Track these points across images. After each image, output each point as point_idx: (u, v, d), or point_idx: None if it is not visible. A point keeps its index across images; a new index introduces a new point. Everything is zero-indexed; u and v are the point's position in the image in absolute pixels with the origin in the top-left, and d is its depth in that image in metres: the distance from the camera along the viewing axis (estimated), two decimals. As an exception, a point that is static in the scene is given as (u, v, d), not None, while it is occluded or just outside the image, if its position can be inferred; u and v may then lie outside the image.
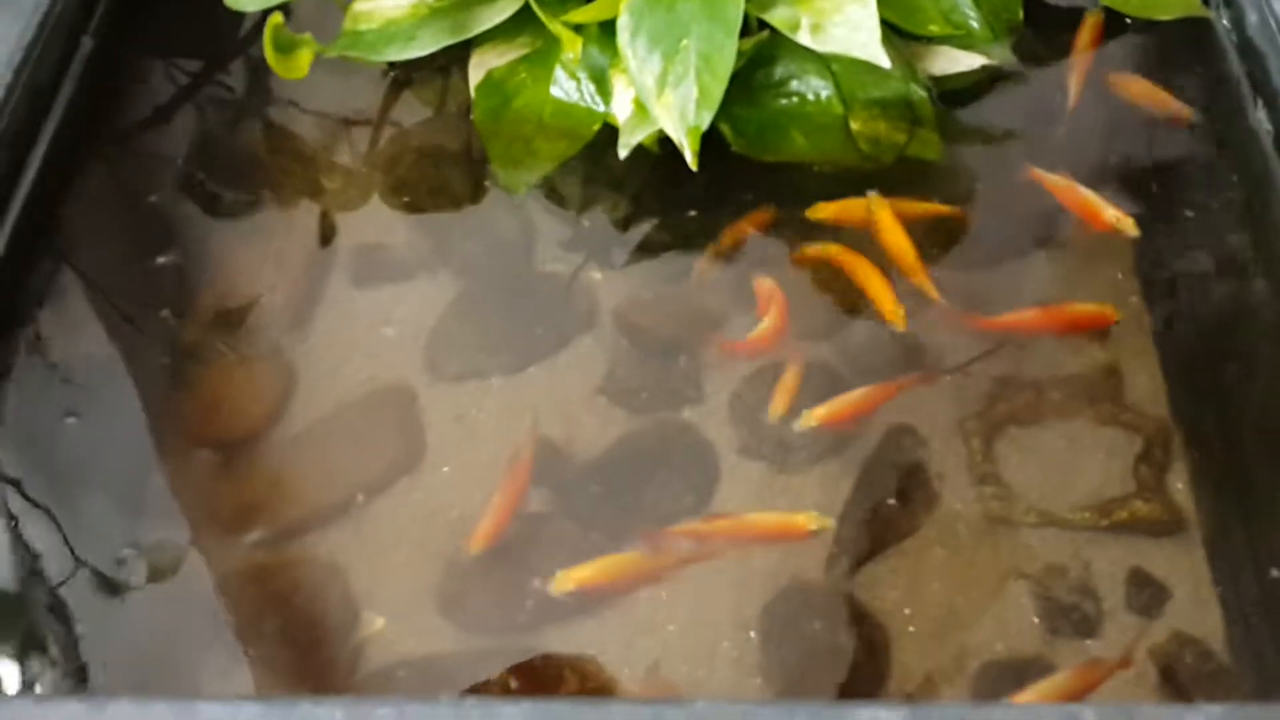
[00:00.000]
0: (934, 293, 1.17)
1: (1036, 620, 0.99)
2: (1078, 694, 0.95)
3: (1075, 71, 1.36)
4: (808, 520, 1.04)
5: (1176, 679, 0.96)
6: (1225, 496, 1.07)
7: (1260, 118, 1.24)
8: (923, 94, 1.26)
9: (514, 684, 0.98)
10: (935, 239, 1.23)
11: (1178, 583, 1.01)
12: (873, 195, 1.22)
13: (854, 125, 1.24)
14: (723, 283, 1.22)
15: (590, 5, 1.24)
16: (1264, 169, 1.21)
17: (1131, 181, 1.27)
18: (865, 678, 0.97)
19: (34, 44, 1.26)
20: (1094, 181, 1.26)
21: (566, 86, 1.27)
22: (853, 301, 1.19)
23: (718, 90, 1.16)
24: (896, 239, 1.20)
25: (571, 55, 1.28)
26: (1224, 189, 1.26)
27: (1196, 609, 1.00)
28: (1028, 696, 0.94)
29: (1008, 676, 0.96)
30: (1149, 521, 1.04)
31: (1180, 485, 1.06)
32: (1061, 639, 0.98)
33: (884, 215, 1.20)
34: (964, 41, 1.32)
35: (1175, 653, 0.98)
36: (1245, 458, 1.09)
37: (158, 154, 1.35)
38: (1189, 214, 1.24)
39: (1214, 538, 1.03)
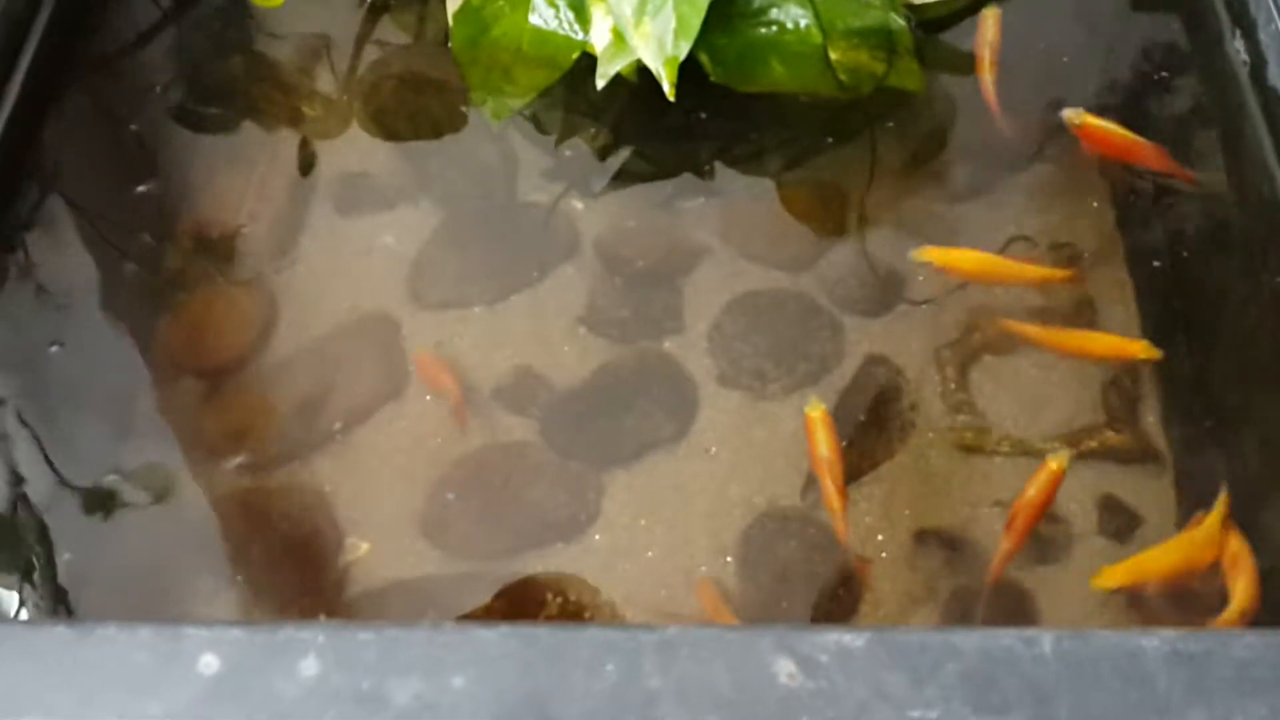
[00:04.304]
0: None
1: (1008, 547, 1.01)
2: None
3: None
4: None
5: (1142, 603, 0.99)
6: (1195, 425, 1.08)
7: (1238, 48, 1.24)
8: (902, 23, 1.25)
9: (496, 607, 1.00)
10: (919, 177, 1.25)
11: (1148, 510, 1.03)
12: None
13: (833, 55, 1.23)
14: (705, 212, 1.23)
15: (569, -68, 1.23)
16: (1240, 101, 1.22)
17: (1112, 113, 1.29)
18: (838, 602, 0.99)
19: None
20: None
21: (545, 14, 1.26)
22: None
23: (696, 20, 1.15)
24: None
25: (550, -18, 1.28)
26: (1203, 119, 1.27)
27: (1165, 535, 1.01)
28: None
29: (977, 602, 0.99)
30: (1120, 450, 1.06)
31: (1151, 415, 1.08)
32: (1032, 564, 1.00)
33: None
34: (944, -30, 1.32)
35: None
36: (1216, 387, 1.11)
37: (139, 81, 1.34)
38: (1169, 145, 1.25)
39: (1183, 466, 1.05)
